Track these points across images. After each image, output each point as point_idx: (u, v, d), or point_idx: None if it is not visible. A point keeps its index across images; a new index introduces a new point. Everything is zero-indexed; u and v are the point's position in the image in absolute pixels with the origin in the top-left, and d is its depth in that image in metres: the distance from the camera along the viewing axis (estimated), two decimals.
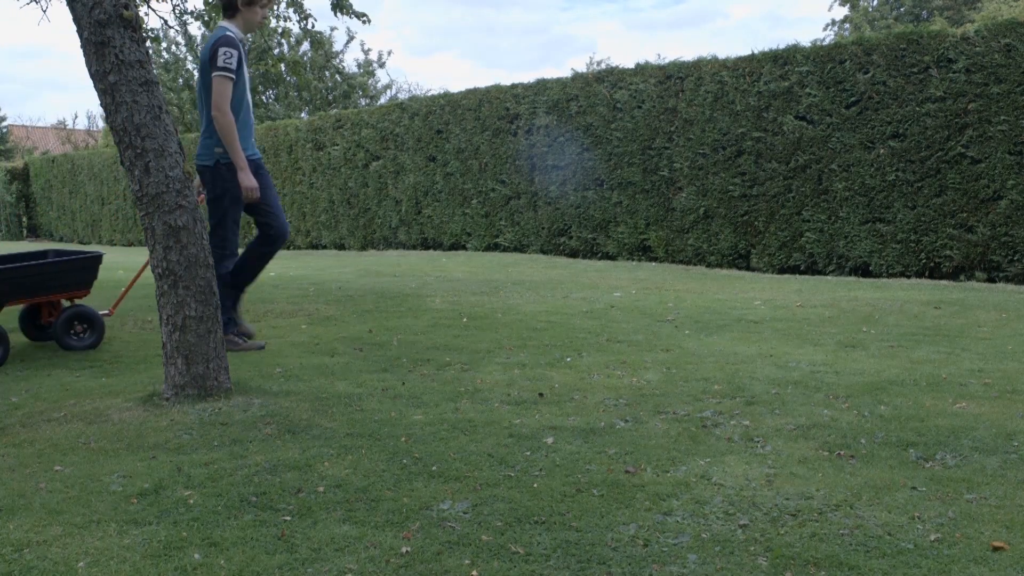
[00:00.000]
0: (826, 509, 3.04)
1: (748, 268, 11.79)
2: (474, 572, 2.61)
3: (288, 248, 19.50)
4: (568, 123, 13.89)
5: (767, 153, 11.43)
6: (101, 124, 42.42)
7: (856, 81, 10.58)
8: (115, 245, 24.62)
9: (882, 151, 10.40)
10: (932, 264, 10.19)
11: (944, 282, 9.87)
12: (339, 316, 7.95)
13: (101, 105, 4.70)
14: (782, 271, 11.42)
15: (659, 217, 12.74)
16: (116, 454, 3.90)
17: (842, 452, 3.68)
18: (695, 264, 12.31)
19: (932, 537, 2.79)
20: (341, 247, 18.28)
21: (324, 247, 18.70)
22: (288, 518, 3.08)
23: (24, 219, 30.10)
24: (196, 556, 2.77)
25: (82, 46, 4.64)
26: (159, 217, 4.66)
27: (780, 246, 11.37)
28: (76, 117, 74.66)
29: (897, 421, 4.12)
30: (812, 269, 11.17)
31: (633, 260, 13.12)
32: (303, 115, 28.25)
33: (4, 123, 44.11)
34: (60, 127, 46.18)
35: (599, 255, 13.71)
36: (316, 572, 2.64)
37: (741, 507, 3.08)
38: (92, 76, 4.67)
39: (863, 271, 10.73)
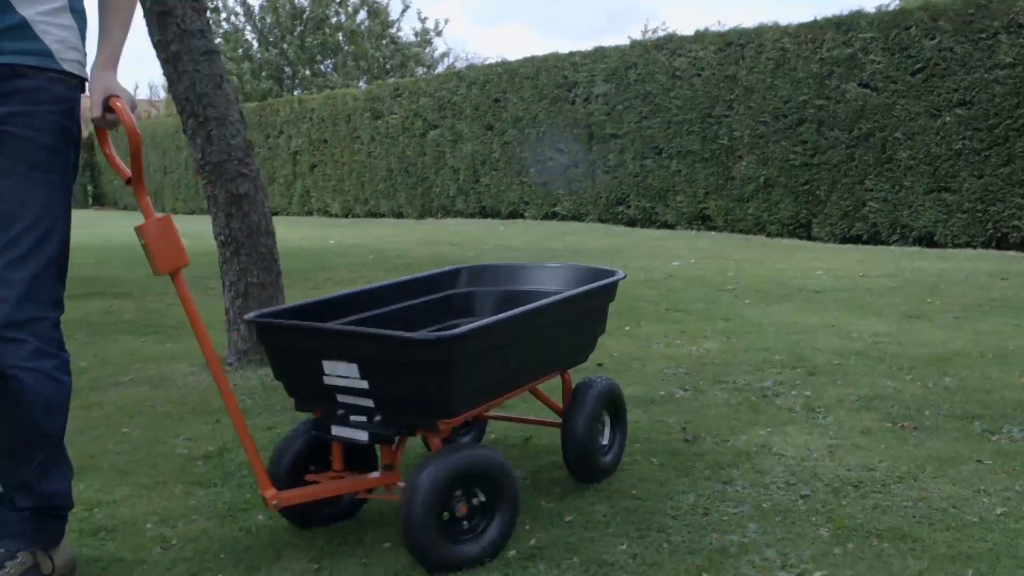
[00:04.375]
0: (889, 481, 3.00)
1: (809, 238, 11.65)
2: (533, 540, 2.62)
3: (347, 216, 19.63)
4: (627, 91, 13.78)
5: (829, 121, 11.25)
6: (163, 94, 42.93)
7: (922, 47, 10.35)
8: (177, 213, 24.98)
9: (948, 119, 10.18)
10: (999, 234, 9.98)
11: (1012, 253, 9.66)
12: None
13: (164, 74, 4.76)
14: (844, 241, 11.26)
15: (719, 186, 12.62)
16: (181, 418, 3.97)
17: (905, 424, 3.63)
18: (755, 234, 12.18)
19: (998, 511, 2.74)
20: (399, 216, 18.36)
21: (383, 216, 18.80)
22: None
23: (90, 188, 30.65)
24: (260, 517, 2.82)
25: (144, 16, 4.69)
26: (221, 185, 4.71)
27: (842, 215, 11.20)
28: (138, 87, 75.48)
29: (962, 393, 4.05)
30: (875, 239, 11.00)
31: (692, 229, 13.02)
32: (361, 84, 28.35)
33: None
34: None
35: (658, 224, 13.62)
36: (379, 535, 2.67)
37: (802, 477, 3.05)
38: (155, 46, 4.72)
39: (927, 241, 10.54)
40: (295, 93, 28.81)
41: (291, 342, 2.64)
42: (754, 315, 6.12)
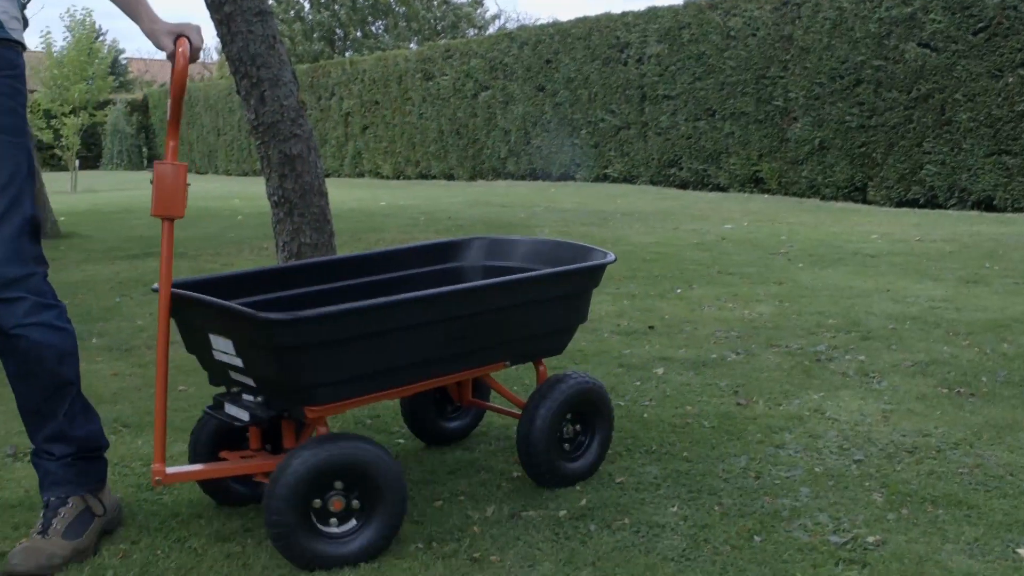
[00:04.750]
0: (944, 447, 2.97)
1: (864, 201, 11.47)
2: (584, 500, 2.63)
3: (398, 178, 19.68)
4: (680, 52, 13.62)
5: (887, 82, 11.03)
6: (216, 56, 43.22)
7: (984, 6, 10.09)
8: (231, 175, 25.21)
9: (1011, 80, 9.94)
10: None
11: None
12: None
13: (217, 36, 4.78)
14: (900, 204, 11.08)
15: (772, 148, 12.46)
16: None
17: (962, 390, 3.58)
18: (809, 196, 12.03)
19: None
20: (450, 177, 18.37)
21: (434, 177, 18.82)
22: (401, 441, 3.16)
23: (144, 150, 31.03)
24: None
25: None
26: (274, 146, 4.74)
27: (899, 179, 11.02)
28: None
29: (1020, 360, 3.99)
30: (932, 203, 10.81)
31: (745, 192, 12.88)
32: (412, 45, 28.29)
33: (123, 56, 45.25)
34: None
35: (710, 187, 13.50)
36: (431, 492, 2.70)
37: (856, 442, 3.03)
38: (208, 7, 4.74)
39: (987, 205, 10.33)
40: (347, 55, 28.84)
41: (186, 314, 2.47)
42: (807, 279, 6.05)
